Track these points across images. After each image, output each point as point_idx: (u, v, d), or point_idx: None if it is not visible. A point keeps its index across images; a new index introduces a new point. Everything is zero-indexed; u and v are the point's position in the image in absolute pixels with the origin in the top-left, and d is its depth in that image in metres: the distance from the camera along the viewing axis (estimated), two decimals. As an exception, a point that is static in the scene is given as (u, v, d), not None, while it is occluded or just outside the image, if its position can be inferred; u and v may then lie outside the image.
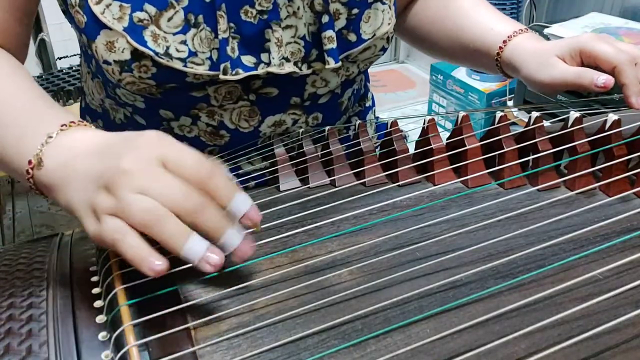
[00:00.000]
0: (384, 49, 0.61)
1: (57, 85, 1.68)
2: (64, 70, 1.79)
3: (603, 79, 0.56)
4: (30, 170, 0.42)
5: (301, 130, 0.61)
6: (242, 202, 0.38)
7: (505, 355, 0.34)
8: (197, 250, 0.36)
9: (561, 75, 0.59)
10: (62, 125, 0.43)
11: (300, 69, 0.56)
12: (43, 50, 2.21)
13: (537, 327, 0.34)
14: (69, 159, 0.40)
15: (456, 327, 0.35)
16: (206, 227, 0.36)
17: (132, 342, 0.35)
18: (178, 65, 0.52)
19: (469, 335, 0.36)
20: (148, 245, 0.35)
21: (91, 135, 0.42)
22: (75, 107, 1.59)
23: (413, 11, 0.74)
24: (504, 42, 0.65)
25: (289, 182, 0.54)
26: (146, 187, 0.35)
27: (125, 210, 0.35)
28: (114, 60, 0.52)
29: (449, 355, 0.34)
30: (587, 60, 0.59)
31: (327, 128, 0.58)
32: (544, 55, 0.61)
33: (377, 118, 0.78)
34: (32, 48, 2.17)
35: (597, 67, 0.58)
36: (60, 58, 2.11)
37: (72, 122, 0.43)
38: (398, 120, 0.57)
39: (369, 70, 0.71)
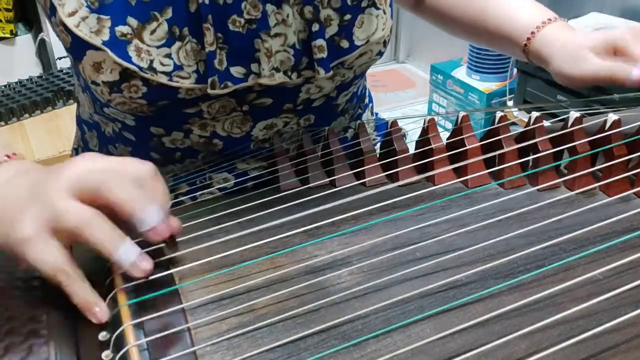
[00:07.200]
0: (380, 54, 0.59)
1: (57, 85, 1.68)
2: (64, 70, 1.79)
3: (637, 73, 0.55)
4: None
5: (301, 130, 0.61)
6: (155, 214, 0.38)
7: (505, 355, 0.34)
8: (131, 254, 0.37)
9: (594, 70, 0.58)
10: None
11: (290, 78, 0.54)
12: (43, 50, 2.21)
13: (537, 327, 0.34)
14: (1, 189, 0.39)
15: (456, 327, 0.35)
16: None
17: (132, 342, 0.35)
18: (163, 79, 0.50)
19: (469, 335, 0.36)
20: (93, 291, 0.37)
21: (28, 167, 0.41)
22: (75, 107, 1.58)
23: None
24: (532, 33, 0.63)
25: (289, 182, 0.54)
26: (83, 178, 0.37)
27: (60, 217, 0.36)
28: (103, 82, 0.50)
29: (449, 355, 0.34)
30: (621, 58, 0.57)
31: (327, 128, 0.58)
32: (575, 48, 0.59)
33: (376, 114, 0.77)
34: (32, 48, 2.17)
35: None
36: (60, 58, 2.11)
37: (13, 154, 0.43)
38: (398, 121, 0.57)
39: (369, 70, 0.71)
